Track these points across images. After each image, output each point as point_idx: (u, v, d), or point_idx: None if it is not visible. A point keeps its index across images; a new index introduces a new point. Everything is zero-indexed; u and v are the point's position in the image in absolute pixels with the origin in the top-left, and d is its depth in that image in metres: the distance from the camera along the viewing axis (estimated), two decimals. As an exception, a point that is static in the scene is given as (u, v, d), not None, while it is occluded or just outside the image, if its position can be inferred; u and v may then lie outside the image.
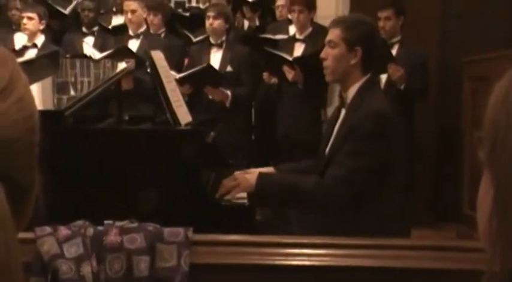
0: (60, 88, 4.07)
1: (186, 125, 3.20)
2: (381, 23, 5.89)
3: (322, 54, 3.16)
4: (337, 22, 3.23)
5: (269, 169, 3.35)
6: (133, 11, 6.21)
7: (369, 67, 3.18)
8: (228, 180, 3.06)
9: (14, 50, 6.22)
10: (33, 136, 0.89)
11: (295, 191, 2.98)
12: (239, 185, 3.00)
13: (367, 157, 2.91)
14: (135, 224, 2.19)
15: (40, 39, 6.32)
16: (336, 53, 3.11)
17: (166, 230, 2.16)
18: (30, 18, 6.25)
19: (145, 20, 6.37)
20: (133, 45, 6.12)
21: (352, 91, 3.12)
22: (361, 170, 2.90)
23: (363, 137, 2.93)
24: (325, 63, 3.15)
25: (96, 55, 5.84)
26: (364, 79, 3.13)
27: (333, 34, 3.13)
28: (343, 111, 3.17)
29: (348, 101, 3.13)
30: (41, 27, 6.33)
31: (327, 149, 3.16)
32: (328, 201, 2.92)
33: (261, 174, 3.05)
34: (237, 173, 3.16)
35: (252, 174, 3.06)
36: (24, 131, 0.85)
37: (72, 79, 4.48)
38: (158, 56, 3.44)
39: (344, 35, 3.09)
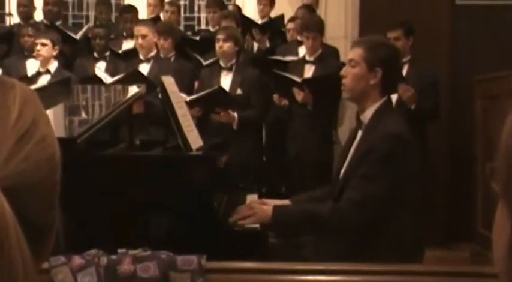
0: (71, 111, 4.08)
1: (197, 149, 3.20)
2: (390, 44, 5.88)
3: (342, 72, 3.17)
4: (360, 42, 3.26)
5: (284, 202, 3.31)
6: (143, 36, 6.24)
7: (388, 89, 3.18)
8: (244, 208, 3.07)
9: (26, 77, 6.26)
10: (55, 175, 0.87)
11: (310, 220, 2.98)
12: (255, 214, 3.00)
13: (383, 181, 2.90)
14: (148, 252, 2.19)
15: (53, 65, 6.34)
16: (355, 72, 3.11)
17: (180, 258, 2.16)
18: (43, 45, 6.27)
19: (156, 44, 6.40)
20: (144, 69, 6.15)
21: (369, 112, 3.11)
22: (376, 194, 2.89)
23: (379, 159, 2.92)
24: (344, 81, 3.15)
25: (108, 79, 5.87)
26: (381, 101, 3.12)
27: (355, 53, 3.14)
28: (359, 133, 3.16)
29: (365, 122, 3.12)
30: (54, 53, 6.35)
31: (342, 171, 3.15)
32: (343, 225, 2.92)
33: (276, 206, 3.06)
34: (253, 202, 3.16)
35: (267, 206, 3.06)
36: (46, 172, 0.84)
37: (84, 103, 4.50)
38: (169, 82, 3.45)
39: (365, 55, 3.10)
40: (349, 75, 3.13)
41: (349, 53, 3.21)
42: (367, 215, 2.89)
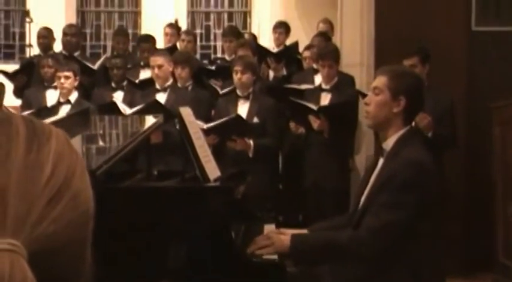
0: (89, 139, 4.11)
1: (215, 180, 3.21)
2: (407, 71, 5.89)
3: (366, 100, 3.19)
4: (385, 70, 3.26)
5: (302, 231, 3.31)
6: (159, 66, 6.29)
7: (411, 118, 3.20)
8: (261, 238, 3.08)
9: (46, 107, 6.31)
10: (87, 229, 0.85)
11: (329, 247, 2.99)
12: (273, 244, 3.01)
13: (403, 209, 2.90)
14: (168, 285, 2.20)
15: (73, 96, 6.39)
16: (379, 100, 3.11)
17: (199, 291, 2.17)
18: (67, 77, 6.32)
19: (172, 73, 6.45)
20: (161, 98, 6.18)
21: (391, 140, 3.11)
22: (396, 222, 2.89)
23: (400, 187, 2.92)
24: (368, 109, 3.17)
25: (127, 110, 5.90)
26: (405, 129, 3.12)
27: (379, 81, 3.15)
28: (380, 161, 3.16)
29: (387, 150, 3.12)
30: (75, 84, 6.42)
31: (362, 199, 3.15)
32: (362, 253, 2.91)
33: (294, 235, 3.05)
34: (270, 232, 3.17)
35: (285, 235, 3.06)
36: (78, 230, 0.82)
37: (101, 131, 4.53)
38: (187, 112, 3.48)
39: (390, 83, 3.11)
40: (372, 102, 3.14)
41: (374, 81, 3.22)
42: (387, 242, 2.89)
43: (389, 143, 3.12)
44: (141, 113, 5.63)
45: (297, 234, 3.10)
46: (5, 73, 7.49)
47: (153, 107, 5.76)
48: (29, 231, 0.75)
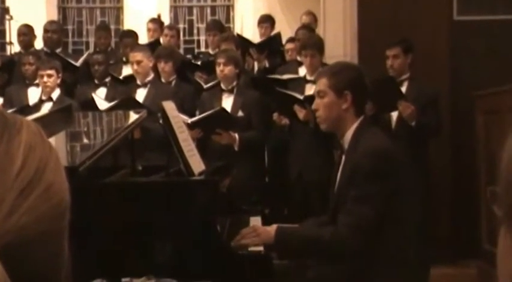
0: (73, 137, 4.10)
1: (200, 174, 3.21)
2: (389, 62, 5.92)
3: (314, 106, 3.22)
4: (323, 72, 3.33)
5: (289, 225, 3.32)
6: (138, 62, 6.28)
7: (362, 109, 3.21)
8: (247, 230, 3.08)
9: (28, 105, 6.28)
10: (62, 222, 0.83)
11: (312, 243, 3.00)
12: (258, 235, 3.02)
13: (373, 200, 2.92)
14: (153, 281, 2.19)
15: (55, 93, 6.38)
16: (326, 102, 3.15)
17: (184, 285, 2.16)
18: (49, 76, 6.32)
19: (154, 68, 6.43)
20: (141, 94, 6.19)
21: (348, 135, 3.14)
22: (370, 214, 2.91)
23: (365, 177, 2.94)
24: (318, 114, 3.21)
25: (103, 106, 5.87)
26: (358, 121, 3.14)
27: (320, 84, 3.19)
28: (343, 158, 3.19)
29: (346, 146, 3.14)
30: (58, 81, 6.40)
31: (334, 197, 3.19)
32: (344, 249, 2.93)
33: (279, 227, 3.06)
34: (256, 225, 3.17)
35: (270, 227, 3.06)
36: (51, 222, 0.80)
37: (85, 128, 4.52)
38: (170, 107, 3.47)
39: (330, 83, 3.14)
40: (320, 106, 3.18)
41: (316, 86, 3.25)
42: (365, 236, 2.90)
43: (347, 139, 3.15)
44: (116, 109, 5.60)
45: (282, 227, 3.11)
46: None
47: (128, 103, 5.74)
48: (0, 223, 0.75)
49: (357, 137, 3.10)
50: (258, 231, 3.04)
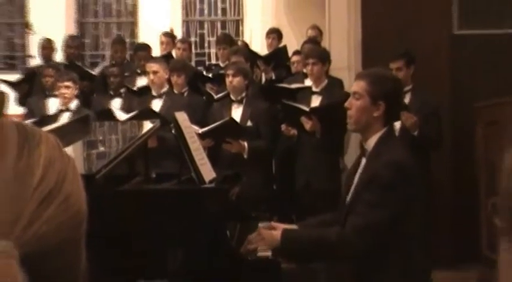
0: (90, 145, 4.11)
1: (210, 181, 3.21)
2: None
3: (347, 104, 3.17)
4: (364, 75, 3.25)
5: (293, 226, 3.30)
6: (155, 72, 6.29)
7: (390, 120, 3.19)
8: (254, 235, 3.06)
9: (48, 116, 6.30)
10: (79, 231, 0.84)
11: (318, 245, 2.98)
12: (263, 239, 3.00)
13: (386, 207, 2.90)
14: (166, 284, 2.19)
15: (73, 103, 6.40)
16: (359, 105, 3.11)
17: (196, 289, 2.16)
18: (67, 87, 6.34)
19: (168, 80, 6.44)
20: (157, 105, 6.19)
21: (372, 141, 3.11)
22: (380, 221, 2.89)
23: (382, 187, 2.91)
24: (349, 113, 3.16)
25: (122, 117, 5.89)
26: (384, 130, 3.12)
27: (358, 86, 3.14)
28: (363, 161, 3.16)
29: (369, 150, 3.13)
30: (75, 92, 6.42)
31: (348, 197, 3.15)
32: (350, 251, 2.91)
33: (285, 230, 3.05)
34: (262, 229, 3.16)
35: (277, 231, 3.04)
36: (69, 231, 0.81)
37: (101, 137, 4.52)
38: (182, 118, 3.47)
39: (369, 88, 3.10)
40: (353, 107, 3.13)
41: (353, 86, 3.21)
42: (372, 240, 2.89)
43: (370, 144, 3.12)
44: (135, 119, 5.62)
45: (288, 230, 3.09)
46: (8, 82, 7.48)
47: (146, 114, 5.76)
48: (20, 233, 0.74)
49: (380, 145, 3.08)
50: (263, 235, 3.02)
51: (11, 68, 10.52)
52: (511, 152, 0.88)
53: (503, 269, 0.87)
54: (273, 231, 3.06)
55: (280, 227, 3.13)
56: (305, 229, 3.25)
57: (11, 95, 7.29)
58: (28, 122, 5.96)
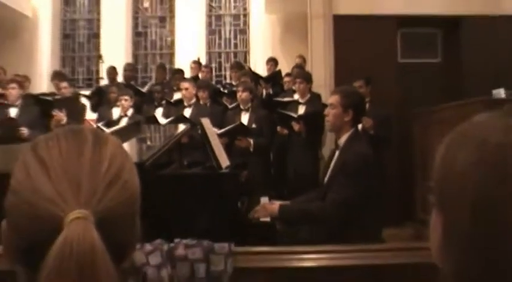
0: (140, 140, 4.10)
1: (226, 168, 3.19)
2: (356, 90, 5.89)
3: (325, 113, 3.17)
4: (337, 91, 3.24)
5: (286, 202, 3.28)
6: (186, 89, 6.27)
7: (356, 123, 3.17)
8: (259, 207, 3.07)
9: (112, 120, 6.29)
10: (134, 207, 0.83)
11: (304, 215, 2.97)
12: (266, 211, 3.01)
13: (355, 187, 2.88)
14: (195, 241, 2.17)
15: (130, 111, 6.39)
16: (334, 113, 3.11)
17: (216, 245, 2.14)
18: (125, 100, 6.34)
19: (196, 94, 6.43)
20: (187, 112, 6.16)
21: (343, 138, 3.11)
22: (351, 196, 2.87)
23: (352, 171, 2.90)
24: (327, 119, 3.17)
25: (163, 121, 5.90)
26: (352, 130, 3.12)
27: (333, 99, 3.14)
28: (337, 153, 3.16)
29: (341, 145, 3.11)
30: (131, 103, 6.41)
31: (326, 179, 3.14)
32: (327, 219, 2.89)
33: (281, 205, 3.05)
34: (265, 203, 3.15)
35: (275, 205, 3.04)
36: (127, 207, 0.81)
37: (148, 134, 4.51)
38: (206, 122, 3.45)
39: (341, 101, 3.10)
40: (330, 115, 3.14)
41: (330, 99, 3.20)
42: (345, 210, 2.87)
43: (342, 140, 3.12)
44: (173, 123, 5.62)
45: (283, 205, 3.08)
46: (84, 95, 7.52)
47: (180, 119, 5.75)
48: (95, 204, 0.76)
49: (350, 141, 3.08)
50: (266, 207, 3.03)
51: (88, 86, 10.54)
52: (439, 149, 0.86)
53: (431, 230, 0.85)
54: (273, 205, 3.05)
55: (276, 203, 3.12)
56: (294, 204, 3.23)
57: (87, 104, 7.33)
58: (100, 124, 5.96)
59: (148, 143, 4.15)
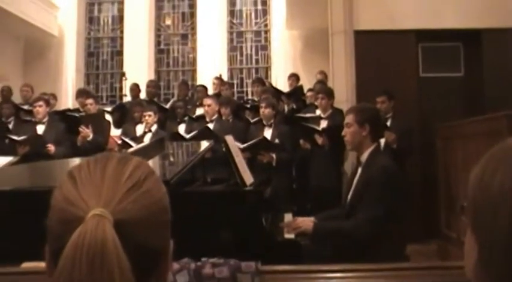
0: (164, 157, 4.11)
1: (250, 185, 3.18)
2: (378, 105, 5.88)
3: (343, 133, 3.16)
4: (351, 109, 3.25)
5: (310, 218, 3.26)
6: (209, 105, 6.32)
7: (376, 137, 3.15)
8: (292, 222, 3.09)
9: (136, 136, 6.35)
10: (162, 216, 0.87)
11: (339, 232, 2.95)
12: (300, 227, 3.01)
13: (384, 202, 2.86)
14: (222, 260, 2.16)
15: (153, 127, 6.43)
16: (351, 131, 3.10)
17: (243, 264, 2.12)
18: (150, 116, 6.40)
19: (218, 110, 6.45)
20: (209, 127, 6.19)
21: (365, 154, 3.09)
22: (381, 212, 2.85)
23: (378, 186, 2.88)
24: (346, 139, 3.15)
25: (187, 136, 5.93)
26: (373, 146, 3.10)
27: (348, 118, 3.14)
28: (359, 170, 3.13)
29: (363, 162, 3.09)
30: (155, 119, 6.46)
31: (349, 196, 3.12)
32: (361, 237, 2.87)
33: (315, 223, 3.04)
34: (298, 219, 3.13)
35: (309, 222, 3.04)
36: (150, 212, 0.84)
37: (171, 151, 4.53)
38: (230, 139, 3.45)
39: (356, 118, 3.09)
40: (347, 134, 3.14)
41: (346, 118, 3.21)
42: (377, 228, 2.85)
43: (364, 157, 3.10)
44: (196, 136, 5.64)
45: (317, 223, 3.06)
46: (106, 111, 7.61)
47: (205, 131, 5.78)
48: (113, 206, 0.80)
49: (372, 157, 3.06)
50: (300, 224, 3.04)
51: (111, 103, 10.68)
52: (474, 170, 0.87)
53: (466, 251, 0.86)
54: (307, 222, 3.04)
55: (311, 219, 3.10)
56: (329, 222, 3.18)
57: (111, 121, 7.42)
58: (125, 139, 6.02)
59: (172, 159, 4.17)
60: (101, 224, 0.77)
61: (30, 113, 6.74)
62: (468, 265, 0.85)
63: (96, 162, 0.88)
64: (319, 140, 5.67)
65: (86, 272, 0.73)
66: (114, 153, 0.93)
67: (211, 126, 6.22)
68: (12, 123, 7.00)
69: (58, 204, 0.83)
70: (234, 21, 11.84)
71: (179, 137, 5.93)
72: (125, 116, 7.37)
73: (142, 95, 8.22)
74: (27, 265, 2.18)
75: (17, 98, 8.16)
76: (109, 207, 0.80)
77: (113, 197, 0.82)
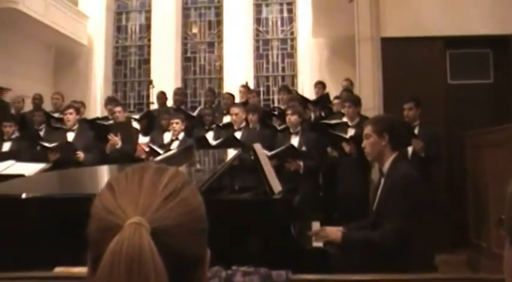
0: (192, 164, 4.14)
1: (278, 193, 3.18)
2: (405, 112, 5.84)
3: (363, 145, 3.17)
4: (369, 121, 3.26)
5: (338, 228, 3.26)
6: (236, 114, 6.34)
7: (397, 146, 3.14)
8: (321, 230, 3.08)
9: (164, 144, 6.40)
10: (198, 224, 0.89)
11: (368, 242, 2.94)
12: (329, 236, 3.01)
13: (408, 211, 2.84)
14: (252, 269, 2.17)
15: (181, 135, 6.48)
16: (370, 142, 3.11)
17: (274, 273, 2.12)
18: (177, 123, 6.45)
19: (246, 118, 6.47)
20: (237, 136, 6.21)
21: (387, 164, 3.09)
22: (406, 223, 2.83)
23: (401, 195, 2.86)
24: (366, 150, 3.16)
25: (213, 143, 5.96)
26: (394, 155, 3.09)
27: (367, 129, 3.15)
28: (382, 180, 3.13)
29: (385, 172, 3.08)
30: (182, 127, 6.51)
31: (374, 208, 3.12)
32: (389, 247, 2.85)
33: (344, 232, 3.04)
34: (327, 228, 3.13)
35: (338, 231, 3.04)
36: (186, 220, 0.85)
37: (198, 158, 4.56)
38: (258, 147, 3.47)
39: (373, 128, 3.10)
40: (367, 145, 3.14)
41: (364, 130, 3.20)
42: (404, 238, 2.83)
43: (386, 167, 3.09)
44: (222, 144, 5.67)
45: (345, 233, 3.06)
46: (134, 118, 7.68)
47: (231, 140, 5.80)
48: (150, 214, 0.82)
49: (393, 166, 3.05)
50: (329, 233, 3.03)
51: (139, 111, 10.79)
52: (511, 184, 0.87)
53: (506, 262, 0.86)
54: (336, 231, 3.04)
55: (339, 228, 3.10)
56: (357, 232, 3.17)
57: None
58: (153, 146, 6.08)
59: (200, 167, 4.19)
60: (138, 231, 0.78)
61: (60, 120, 6.87)
62: (508, 276, 0.85)
63: (134, 173, 0.90)
64: (347, 148, 5.64)
65: (123, 278, 0.75)
66: (151, 163, 0.95)
67: (239, 134, 6.24)
68: (43, 130, 7.14)
69: (97, 213, 0.85)
70: (260, 29, 11.88)
71: (205, 142, 5.96)
72: (152, 123, 7.44)
73: (169, 103, 8.29)
74: (59, 270, 2.22)
75: (47, 105, 8.32)
76: (146, 215, 0.81)
77: (149, 205, 0.83)
